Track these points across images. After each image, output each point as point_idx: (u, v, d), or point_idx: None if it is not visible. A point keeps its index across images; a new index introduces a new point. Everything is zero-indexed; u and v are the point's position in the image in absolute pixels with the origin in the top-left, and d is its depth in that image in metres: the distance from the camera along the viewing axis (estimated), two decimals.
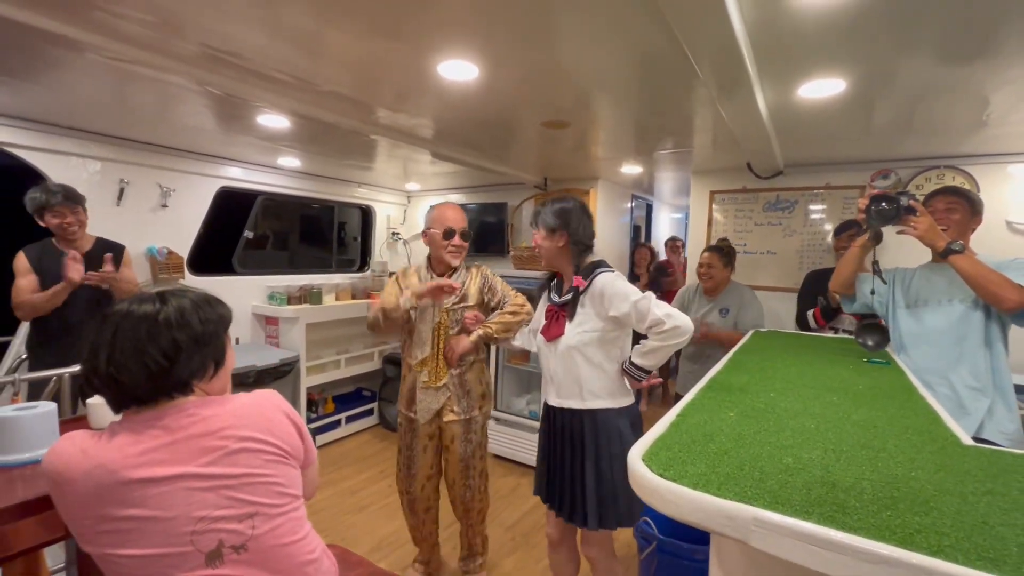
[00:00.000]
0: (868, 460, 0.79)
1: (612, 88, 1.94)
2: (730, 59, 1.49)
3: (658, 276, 4.60)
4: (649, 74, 1.77)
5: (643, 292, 1.50)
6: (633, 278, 4.49)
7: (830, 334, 2.37)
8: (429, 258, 2.04)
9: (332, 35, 1.54)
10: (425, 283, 1.88)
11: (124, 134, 2.79)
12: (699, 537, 1.63)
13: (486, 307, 2.00)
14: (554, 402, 1.60)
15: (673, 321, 1.41)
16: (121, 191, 2.89)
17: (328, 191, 4.20)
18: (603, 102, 2.12)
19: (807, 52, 1.55)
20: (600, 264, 1.60)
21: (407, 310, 1.88)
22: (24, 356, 2.43)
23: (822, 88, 1.82)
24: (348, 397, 4.23)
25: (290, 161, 3.49)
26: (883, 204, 1.48)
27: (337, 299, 3.98)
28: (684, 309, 2.70)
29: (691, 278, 3.43)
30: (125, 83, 2.00)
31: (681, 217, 6.07)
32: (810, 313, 2.60)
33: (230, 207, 3.57)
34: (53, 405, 1.26)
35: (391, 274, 2.16)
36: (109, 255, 2.29)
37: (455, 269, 1.99)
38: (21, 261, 2.25)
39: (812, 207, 3.12)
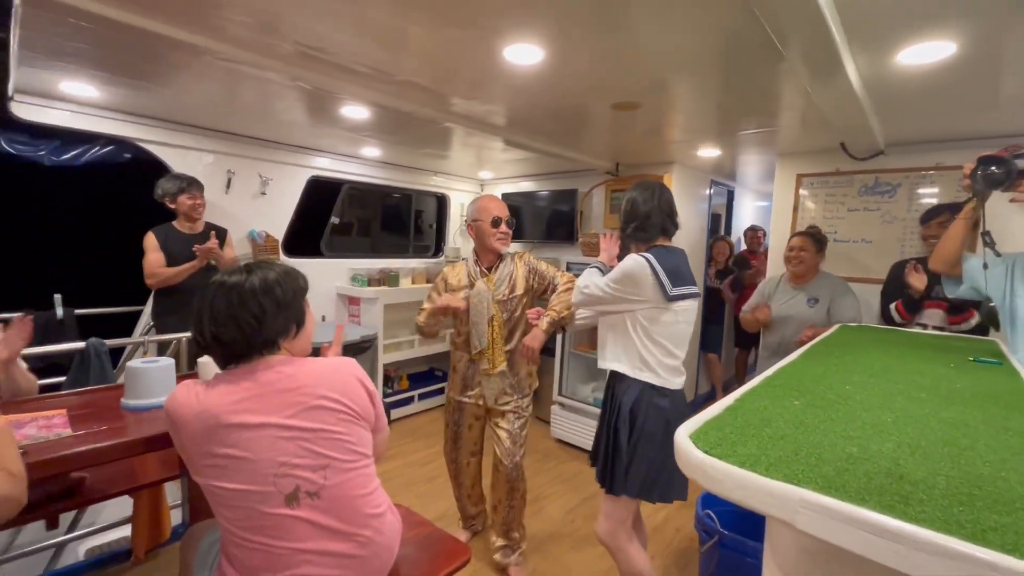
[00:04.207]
0: (949, 457, 0.72)
1: (689, 67, 1.86)
2: (814, 28, 1.38)
3: (738, 268, 4.35)
4: (729, 51, 1.68)
5: (682, 286, 1.60)
6: (715, 276, 4.31)
7: (917, 329, 2.14)
8: (475, 252, 2.10)
9: (408, 26, 1.62)
10: (442, 299, 2.00)
11: (231, 129, 3.12)
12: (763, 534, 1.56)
13: (535, 292, 2.03)
14: (601, 363, 1.69)
15: (582, 281, 1.67)
16: (229, 180, 3.24)
17: (406, 180, 4.41)
18: (678, 82, 2.04)
19: (904, 10, 1.39)
20: (652, 247, 1.64)
21: (438, 321, 2.05)
22: (151, 324, 2.83)
23: (926, 53, 1.61)
24: (421, 376, 4.45)
25: (372, 151, 3.71)
26: (992, 167, 1.31)
27: (413, 282, 4.20)
28: (767, 301, 2.55)
29: (772, 270, 3.22)
30: (233, 82, 2.24)
31: (767, 205, 5.67)
32: (892, 306, 2.36)
33: (319, 195, 3.87)
34: (171, 360, 1.46)
35: (453, 262, 2.26)
36: (213, 232, 2.67)
37: (501, 257, 2.05)
38: (151, 240, 2.61)
39: (920, 191, 2.80)
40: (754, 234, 4.61)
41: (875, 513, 0.55)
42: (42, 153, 2.64)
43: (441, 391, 4.31)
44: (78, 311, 2.95)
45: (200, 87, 2.33)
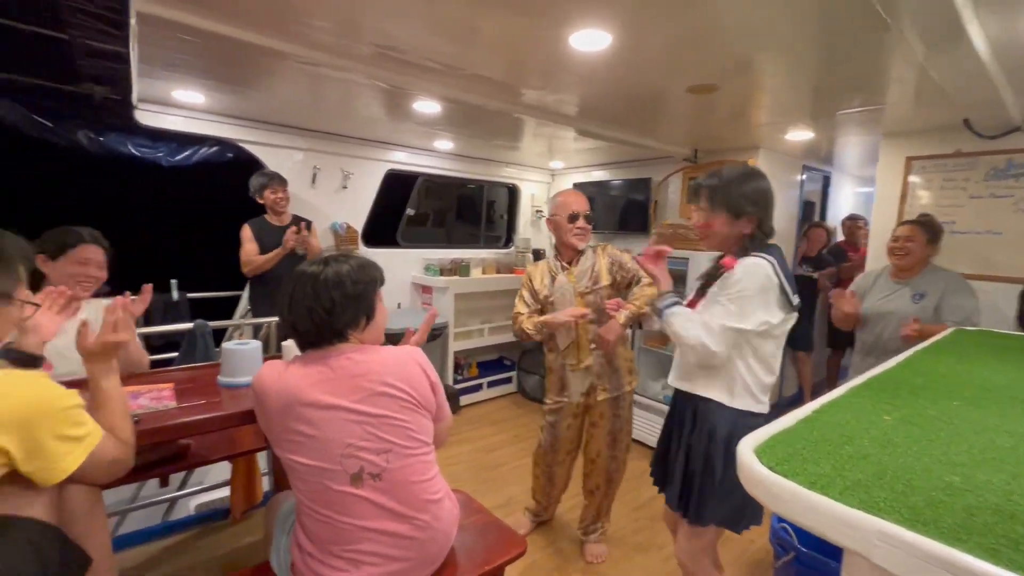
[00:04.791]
0: None
1: (779, 44, 1.70)
2: None
3: (835, 260, 3.96)
4: (827, 24, 1.51)
5: (779, 294, 1.30)
6: (801, 263, 3.95)
7: None
8: (556, 247, 2.08)
9: (478, 19, 1.62)
10: (558, 314, 1.92)
11: (317, 127, 3.33)
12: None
13: (618, 285, 1.98)
14: (673, 382, 1.51)
15: (699, 339, 1.30)
16: (314, 175, 3.47)
17: (478, 171, 4.47)
18: (766, 61, 1.88)
19: None
20: (767, 248, 1.36)
21: (543, 334, 1.99)
22: (248, 308, 3.12)
23: None
24: (491, 364, 4.54)
25: (445, 144, 3.80)
26: None
27: (483, 272, 4.27)
28: (861, 297, 2.30)
29: (873, 263, 2.89)
30: (317, 84, 2.39)
31: (871, 192, 5.09)
32: None
33: (395, 187, 4.04)
34: (259, 343, 1.60)
35: (534, 252, 2.25)
36: (302, 223, 2.87)
37: (582, 252, 2.00)
38: (246, 231, 2.87)
39: None
40: (853, 224, 4.16)
41: (974, 558, 0.47)
42: (160, 154, 2.98)
43: (509, 379, 4.37)
44: (190, 295, 3.32)
45: (288, 89, 2.51)
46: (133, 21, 1.50)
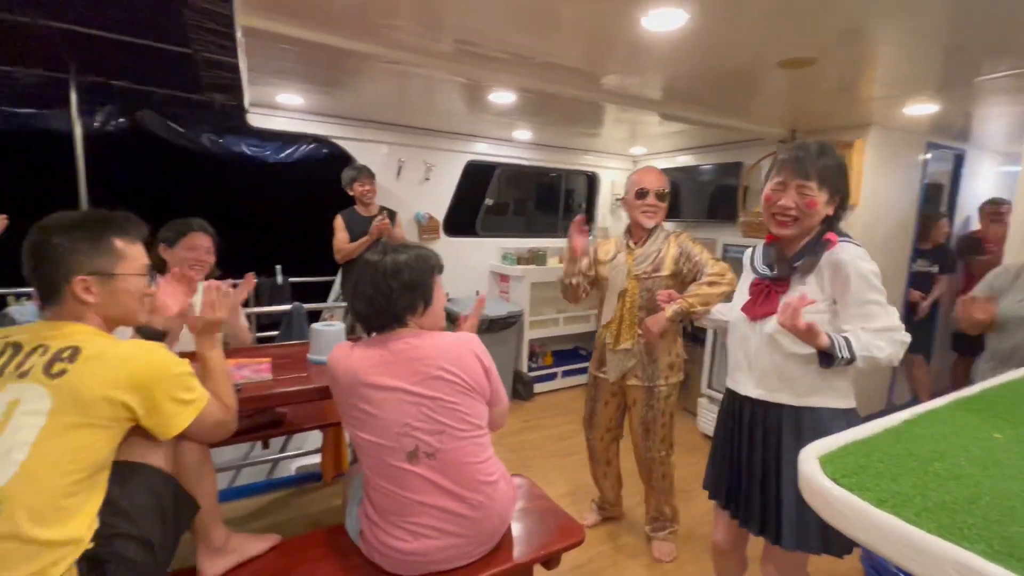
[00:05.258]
0: None
1: (898, 5, 1.49)
2: None
3: (966, 252, 3.44)
4: None
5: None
6: (918, 255, 3.48)
7: None
8: (628, 225, 2.03)
9: (556, 7, 1.60)
10: (653, 324, 1.86)
11: (401, 121, 3.50)
12: None
13: (682, 277, 1.88)
14: (752, 392, 1.31)
15: (902, 339, 1.17)
16: (399, 168, 3.66)
17: (557, 160, 4.44)
18: (881, 27, 1.66)
19: None
20: (842, 231, 1.27)
21: (578, 282, 1.97)
22: (340, 292, 3.38)
23: None
24: (566, 353, 4.53)
25: (523, 133, 3.82)
26: None
27: (560, 262, 4.25)
28: (998, 297, 1.97)
29: (1013, 256, 2.47)
30: (401, 81, 2.51)
31: (1018, 171, 4.28)
32: None
33: (475, 178, 4.14)
34: (342, 325, 1.74)
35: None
36: (384, 213, 3.06)
37: (650, 233, 1.93)
38: (338, 221, 3.11)
39: None
40: (995, 210, 3.55)
41: None
42: (268, 152, 3.32)
43: (584, 370, 4.32)
44: (292, 279, 3.67)
45: (376, 88, 2.66)
46: (239, 34, 1.67)
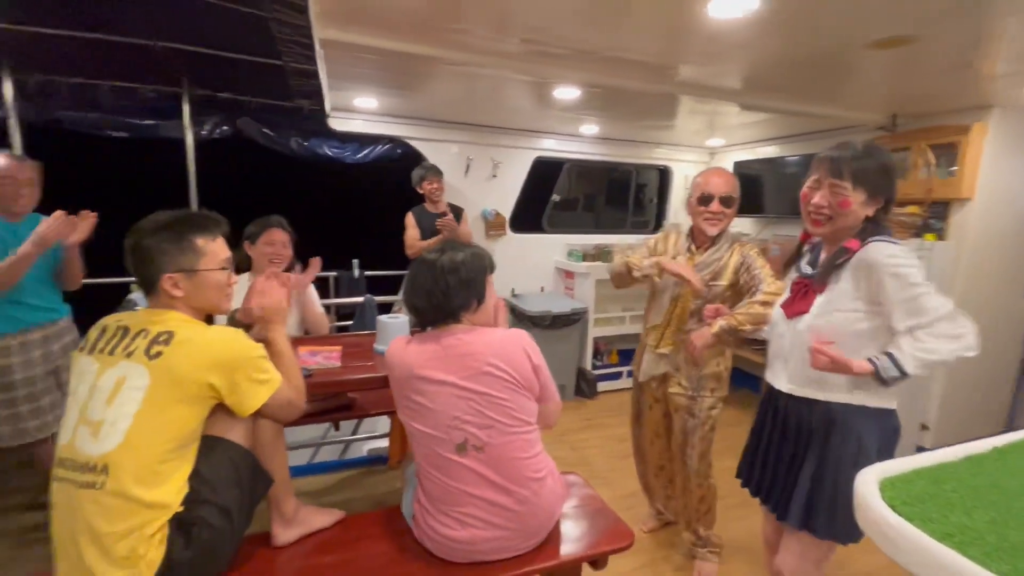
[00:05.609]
0: None
1: None
2: None
3: None
4: None
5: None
6: None
7: None
8: (691, 228, 1.92)
9: (619, 1, 1.58)
10: (678, 263, 1.77)
11: (470, 120, 3.59)
12: None
13: (740, 289, 1.76)
14: (784, 387, 1.33)
15: (962, 328, 1.10)
16: (467, 166, 3.75)
17: (627, 154, 4.33)
18: None
19: None
20: (881, 230, 1.21)
21: (643, 276, 1.86)
22: None
23: None
24: (633, 353, 4.42)
25: (591, 128, 3.76)
26: None
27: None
28: None
29: None
30: (470, 81, 2.58)
31: None
32: None
33: (542, 174, 4.15)
34: (406, 317, 1.82)
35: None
36: (449, 210, 3.15)
37: (714, 240, 1.82)
38: (409, 218, 3.25)
39: None
40: None
41: None
42: (347, 153, 3.54)
43: None
44: (368, 272, 3.90)
45: (445, 88, 2.76)
46: (317, 45, 1.80)
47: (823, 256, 1.31)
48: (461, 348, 1.14)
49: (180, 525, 1.01)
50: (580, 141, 4.08)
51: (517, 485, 1.13)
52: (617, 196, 5.19)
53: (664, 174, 4.67)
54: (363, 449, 2.91)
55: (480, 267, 1.22)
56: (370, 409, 2.22)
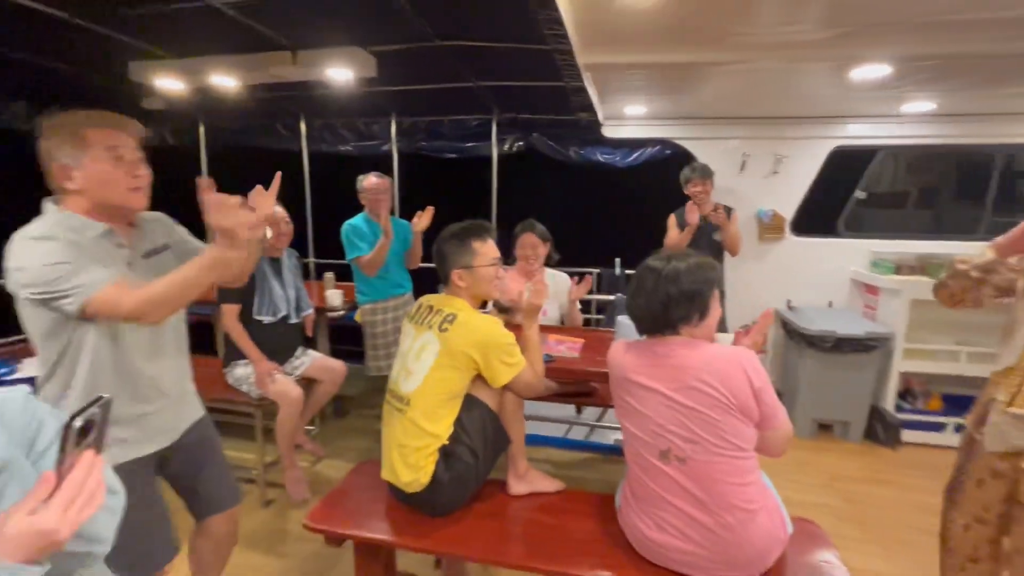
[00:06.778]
0: None
1: None
2: None
3: None
4: None
5: None
6: None
7: None
8: None
9: None
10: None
11: (747, 114, 3.29)
12: None
13: None
14: None
15: None
16: (743, 162, 3.45)
17: (977, 133, 3.19)
18: None
19: None
20: None
21: (986, 275, 1.36)
22: None
23: None
24: (964, 400, 3.27)
25: (918, 106, 2.92)
26: None
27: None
28: None
29: None
30: (748, 75, 2.41)
31: None
32: None
33: (842, 167, 3.46)
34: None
35: None
36: (720, 208, 3.01)
37: None
38: (671, 220, 3.25)
39: None
40: None
41: None
42: (617, 158, 3.74)
43: None
44: (628, 271, 4.04)
45: (721, 85, 2.64)
46: (582, 68, 2.02)
47: None
48: (673, 360, 1.16)
49: (445, 454, 1.38)
50: (901, 123, 3.22)
51: (720, 508, 1.09)
52: (968, 189, 3.87)
53: None
54: (610, 438, 3.09)
55: (705, 280, 1.19)
56: (609, 401, 2.38)
